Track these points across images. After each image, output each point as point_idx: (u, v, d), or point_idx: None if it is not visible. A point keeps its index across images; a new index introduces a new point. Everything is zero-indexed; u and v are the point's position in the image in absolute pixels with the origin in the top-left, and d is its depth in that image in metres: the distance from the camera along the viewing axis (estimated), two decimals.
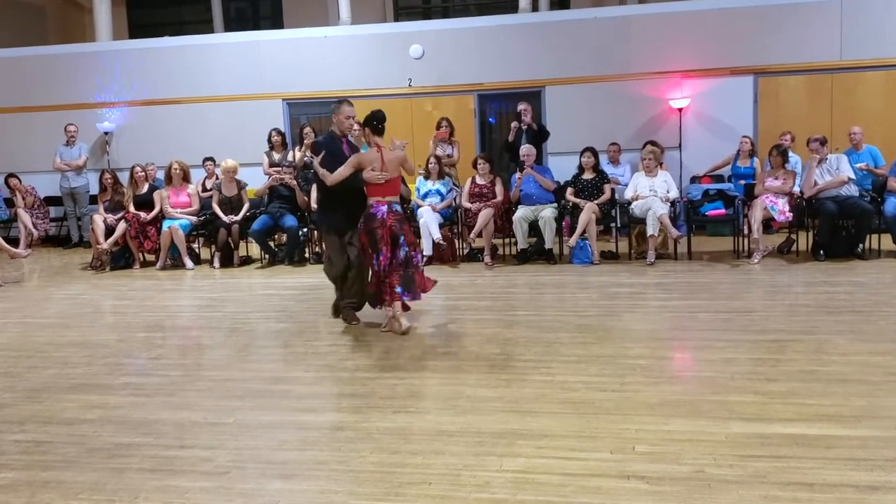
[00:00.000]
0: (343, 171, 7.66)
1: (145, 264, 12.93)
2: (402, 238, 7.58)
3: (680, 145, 14.67)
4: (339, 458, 4.71)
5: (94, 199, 15.05)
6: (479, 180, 12.15)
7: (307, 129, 13.31)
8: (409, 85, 15.50)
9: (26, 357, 7.44)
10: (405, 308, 7.91)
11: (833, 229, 10.98)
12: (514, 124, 13.01)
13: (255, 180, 13.53)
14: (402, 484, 4.30)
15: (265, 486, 4.37)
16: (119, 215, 12.84)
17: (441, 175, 12.27)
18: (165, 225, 12.49)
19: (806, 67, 14.38)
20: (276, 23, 21.77)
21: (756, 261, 10.83)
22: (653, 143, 12.78)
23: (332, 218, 8.20)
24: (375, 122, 7.82)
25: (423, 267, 8.03)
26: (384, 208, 7.60)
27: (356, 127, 8.70)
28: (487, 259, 11.66)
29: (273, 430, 5.27)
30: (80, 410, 5.82)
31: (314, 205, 11.53)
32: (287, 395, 5.96)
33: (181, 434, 5.25)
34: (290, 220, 12.21)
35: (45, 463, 4.84)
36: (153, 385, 6.39)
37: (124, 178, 13.66)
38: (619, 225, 12.42)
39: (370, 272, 7.95)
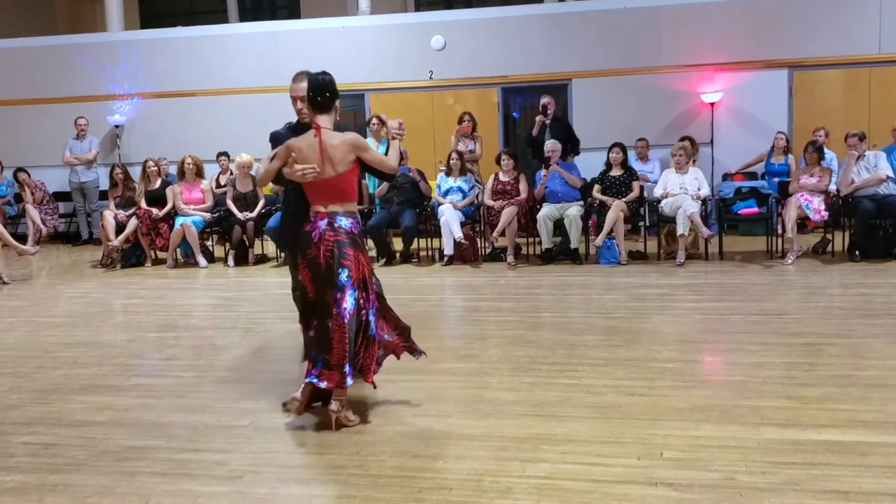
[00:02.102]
0: (271, 166, 5.58)
1: (157, 262, 13.00)
2: (343, 274, 5.33)
3: (712, 141, 14.64)
4: (357, 462, 4.74)
5: (104, 195, 15.10)
6: (502, 177, 12.16)
7: None
8: (431, 77, 15.53)
9: (34, 357, 7.50)
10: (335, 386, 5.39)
11: (870, 229, 10.93)
12: (538, 118, 13.00)
13: None
14: (422, 489, 4.32)
15: (281, 491, 4.40)
16: (130, 211, 12.93)
17: (463, 171, 12.28)
18: (178, 222, 12.57)
19: (843, 61, 14.33)
20: (293, 13, 21.78)
21: (790, 261, 10.80)
22: (688, 138, 12.78)
23: (285, 231, 6.26)
24: (312, 93, 5.48)
25: (377, 333, 5.59)
26: (321, 224, 5.41)
27: (304, 108, 5.79)
28: (511, 259, 11.65)
29: (289, 433, 5.31)
30: (90, 412, 5.86)
31: None
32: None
33: (194, 437, 5.28)
34: None
35: (53, 466, 4.88)
36: (165, 386, 6.43)
37: (136, 172, 13.78)
38: (647, 224, 12.38)
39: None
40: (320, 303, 5.39)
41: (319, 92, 5.44)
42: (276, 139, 5.81)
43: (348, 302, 5.28)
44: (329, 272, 5.32)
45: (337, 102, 5.53)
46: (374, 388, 5.69)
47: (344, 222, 5.41)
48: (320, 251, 5.34)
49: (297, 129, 5.83)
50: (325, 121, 5.46)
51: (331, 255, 5.32)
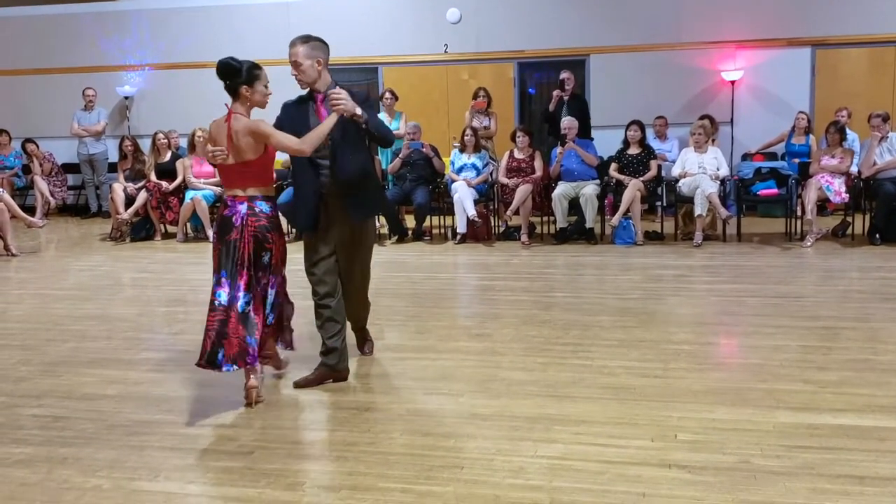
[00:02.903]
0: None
1: (167, 236, 13.07)
2: (266, 257, 5.50)
3: (732, 120, 14.60)
4: (368, 439, 4.78)
5: (113, 167, 15.16)
6: (517, 154, 12.15)
7: None
8: (445, 51, 15.50)
9: (44, 330, 7.57)
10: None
11: (891, 212, 10.89)
12: (555, 93, 12.97)
13: None
14: (433, 468, 4.36)
15: (291, 467, 4.45)
16: (140, 184, 12.99)
17: (477, 148, 12.25)
18: (188, 195, 12.60)
19: (868, 39, 14.25)
20: None
21: (809, 244, 10.78)
22: (708, 117, 12.76)
23: (297, 210, 6.03)
24: (218, 76, 5.52)
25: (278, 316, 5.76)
26: (241, 208, 5.43)
27: (298, 75, 5.73)
28: (524, 238, 11.66)
29: (300, 409, 5.37)
30: (100, 385, 5.93)
31: None
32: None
33: (204, 412, 5.34)
34: None
35: (63, 439, 4.94)
36: (175, 361, 6.49)
37: (145, 145, 13.82)
38: (664, 204, 12.40)
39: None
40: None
41: (221, 76, 5.47)
42: (285, 109, 5.87)
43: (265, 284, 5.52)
44: (256, 256, 5.43)
45: (244, 88, 5.46)
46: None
47: (264, 206, 5.44)
48: (244, 235, 5.39)
49: (303, 96, 5.84)
50: (237, 106, 5.48)
51: (254, 239, 5.40)
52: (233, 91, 5.48)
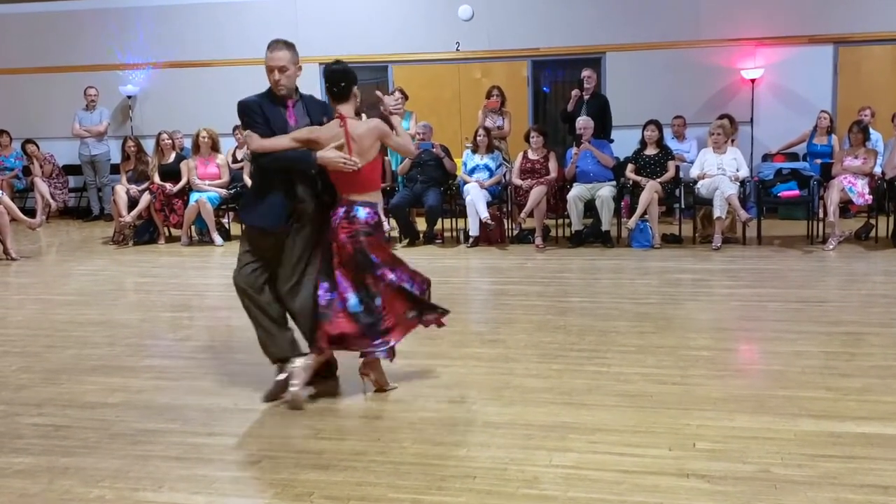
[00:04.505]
0: (282, 142, 5.56)
1: (171, 239, 13.08)
2: (374, 264, 5.56)
3: (752, 120, 14.59)
4: (378, 448, 4.79)
5: (115, 169, 15.15)
6: (531, 155, 12.14)
7: None
8: (457, 49, 15.51)
9: (44, 336, 7.59)
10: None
11: None
12: (574, 92, 12.96)
13: None
14: (445, 477, 4.37)
15: (299, 477, 4.45)
16: (143, 186, 13.01)
17: (490, 148, 12.27)
18: (192, 198, 12.63)
19: (892, 36, 14.22)
20: None
21: (831, 247, 10.76)
22: (727, 117, 12.75)
23: (253, 208, 5.89)
24: (328, 84, 5.65)
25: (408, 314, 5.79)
26: (340, 212, 5.56)
27: (281, 80, 5.72)
28: (539, 241, 11.64)
29: (308, 417, 5.37)
30: (102, 393, 5.93)
31: None
32: (323, 381, 6.03)
33: (209, 420, 5.36)
34: None
35: (64, 448, 4.95)
36: (179, 368, 6.51)
37: (149, 146, 13.82)
38: (683, 206, 12.37)
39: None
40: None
41: (335, 82, 5.58)
42: (248, 108, 5.73)
43: (353, 297, 5.54)
44: (352, 262, 5.50)
45: (355, 89, 5.65)
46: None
47: (362, 213, 5.52)
48: (337, 238, 5.52)
49: (271, 99, 5.77)
50: (346, 109, 5.59)
51: (354, 245, 5.49)
52: (342, 96, 5.61)
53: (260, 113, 5.67)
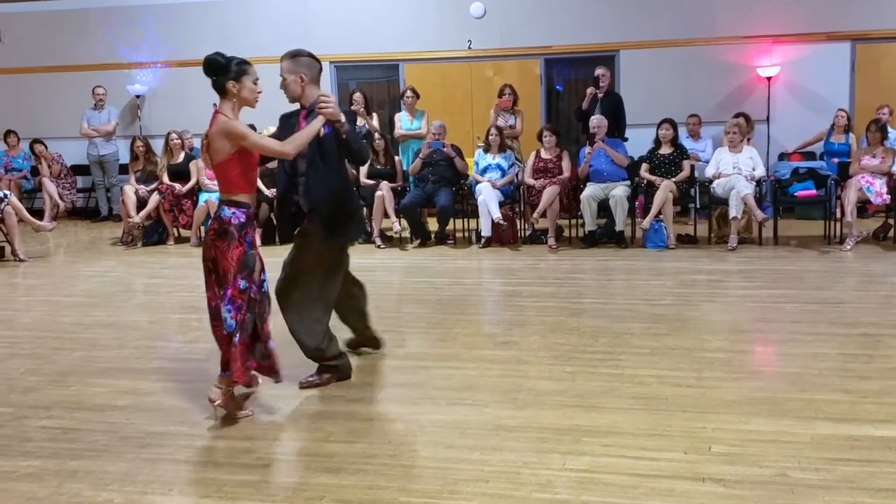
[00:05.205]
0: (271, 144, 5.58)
1: (180, 240, 13.11)
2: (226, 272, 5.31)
3: (768, 118, 14.55)
4: (389, 451, 4.80)
5: (124, 169, 15.21)
6: (543, 154, 12.13)
7: (357, 96, 13.15)
8: (469, 48, 15.50)
9: (53, 338, 7.61)
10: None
11: None
12: (589, 90, 12.98)
13: None
14: (458, 481, 4.38)
15: (309, 480, 4.47)
16: (152, 186, 13.03)
17: (502, 148, 12.26)
18: (202, 198, 12.63)
19: None
20: None
21: (849, 247, 10.73)
22: (743, 115, 12.72)
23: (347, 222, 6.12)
24: (205, 73, 5.52)
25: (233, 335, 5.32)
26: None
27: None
28: (552, 241, 11.61)
29: (319, 420, 5.39)
30: (111, 396, 5.96)
31: (364, 179, 11.83)
32: (334, 384, 6.05)
33: (219, 423, 5.36)
34: None
35: (73, 451, 4.97)
36: (188, 370, 6.52)
37: (158, 145, 13.84)
38: (698, 206, 12.37)
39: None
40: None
41: (208, 72, 5.43)
42: (281, 121, 6.21)
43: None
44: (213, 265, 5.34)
45: (232, 84, 5.41)
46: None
47: (226, 212, 5.29)
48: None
49: (294, 112, 6.07)
50: (224, 105, 5.45)
51: (212, 248, 5.31)
52: (220, 88, 5.43)
53: (282, 126, 6.11)
